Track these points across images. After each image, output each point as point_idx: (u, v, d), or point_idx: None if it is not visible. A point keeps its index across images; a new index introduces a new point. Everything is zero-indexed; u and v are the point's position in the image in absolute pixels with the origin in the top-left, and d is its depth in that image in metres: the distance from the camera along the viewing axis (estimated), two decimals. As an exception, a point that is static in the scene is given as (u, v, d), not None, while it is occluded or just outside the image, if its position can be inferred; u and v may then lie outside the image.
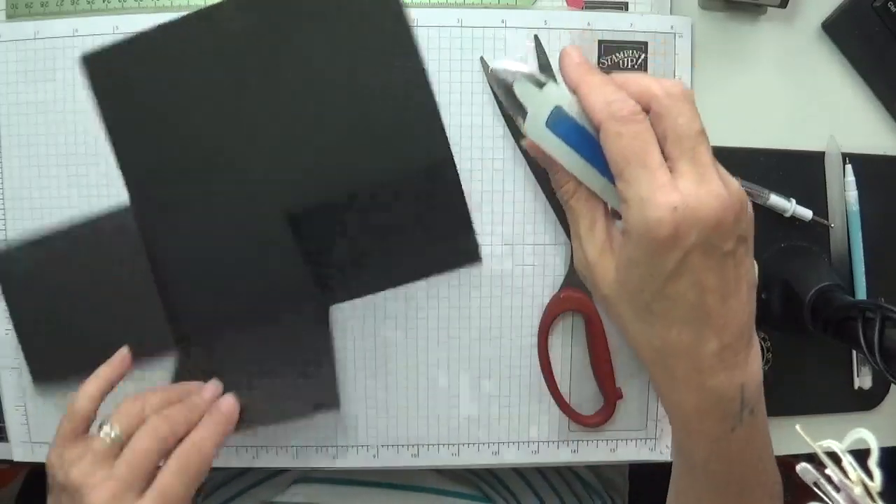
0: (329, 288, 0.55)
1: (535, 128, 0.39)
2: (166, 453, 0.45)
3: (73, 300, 0.55)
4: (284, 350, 0.54)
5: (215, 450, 0.47)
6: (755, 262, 0.40)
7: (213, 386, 0.51)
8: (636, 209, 0.35)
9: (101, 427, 0.45)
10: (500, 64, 0.39)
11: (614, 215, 0.41)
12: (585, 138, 0.39)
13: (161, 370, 0.55)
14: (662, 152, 0.36)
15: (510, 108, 0.39)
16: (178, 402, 0.48)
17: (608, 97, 0.36)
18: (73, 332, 0.55)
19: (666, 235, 0.34)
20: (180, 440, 0.46)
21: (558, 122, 0.39)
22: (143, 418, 0.45)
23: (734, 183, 0.37)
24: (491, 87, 0.54)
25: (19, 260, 0.55)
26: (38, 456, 0.58)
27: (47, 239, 0.54)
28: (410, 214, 0.52)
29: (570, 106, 0.39)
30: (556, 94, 0.39)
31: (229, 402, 0.50)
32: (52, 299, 0.55)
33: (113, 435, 0.44)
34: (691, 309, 0.37)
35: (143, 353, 0.53)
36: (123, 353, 0.50)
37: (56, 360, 0.56)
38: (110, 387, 0.48)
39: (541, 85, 0.39)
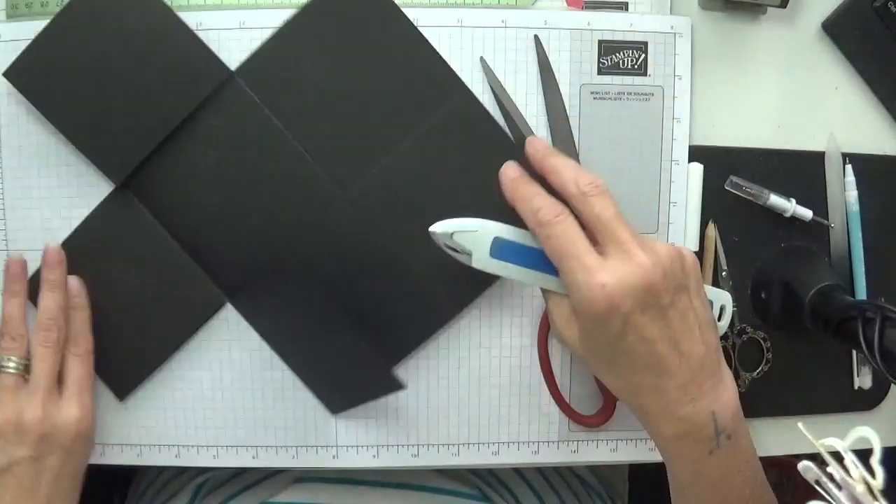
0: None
1: (484, 262, 0.46)
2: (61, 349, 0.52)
3: (110, 294, 0.56)
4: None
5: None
6: (706, 303, 0.47)
7: (53, 252, 0.54)
8: (576, 293, 0.43)
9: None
10: (435, 228, 0.46)
11: None
12: (527, 251, 0.46)
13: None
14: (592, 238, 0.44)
15: (458, 256, 0.46)
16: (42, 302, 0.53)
17: (534, 207, 0.45)
18: (123, 327, 0.56)
19: (603, 309, 0.41)
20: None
21: (500, 249, 0.46)
22: (26, 338, 0.52)
23: (659, 246, 0.44)
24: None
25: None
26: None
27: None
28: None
29: (505, 233, 0.46)
30: (491, 229, 0.46)
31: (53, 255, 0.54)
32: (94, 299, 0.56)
33: (13, 364, 0.52)
34: (646, 358, 0.43)
35: (202, 318, 0.56)
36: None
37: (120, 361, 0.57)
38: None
39: (474, 229, 0.46)
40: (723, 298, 0.54)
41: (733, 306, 0.54)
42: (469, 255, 0.45)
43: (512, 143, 0.55)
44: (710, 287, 0.53)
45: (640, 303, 0.41)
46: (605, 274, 0.41)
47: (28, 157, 0.56)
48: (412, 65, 0.55)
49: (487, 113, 0.55)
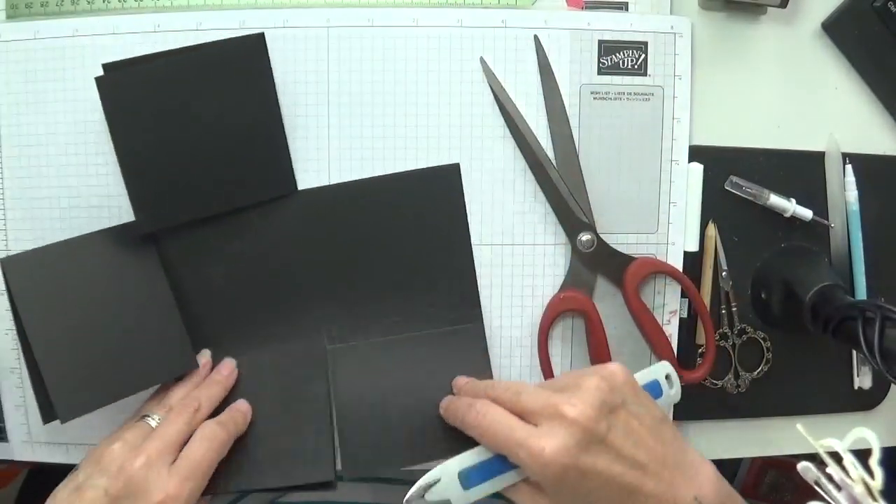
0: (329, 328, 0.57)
1: (464, 499, 0.47)
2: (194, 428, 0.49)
3: (89, 311, 0.53)
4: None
5: (234, 427, 0.52)
6: (648, 402, 0.47)
7: (229, 361, 0.55)
8: (528, 469, 0.44)
9: (143, 417, 0.50)
10: (408, 498, 0.47)
11: None
12: (490, 463, 0.47)
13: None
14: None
15: None
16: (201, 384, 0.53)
17: (459, 415, 0.49)
18: (92, 347, 0.53)
19: (554, 471, 0.43)
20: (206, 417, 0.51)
21: (469, 478, 0.47)
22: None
23: (582, 381, 0.45)
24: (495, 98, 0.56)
25: (32, 269, 0.53)
26: (38, 456, 0.58)
27: (60, 246, 0.54)
28: None
29: (465, 461, 0.47)
30: (452, 467, 0.47)
31: (245, 406, 0.54)
32: (67, 311, 0.53)
33: (154, 423, 0.50)
34: (612, 488, 0.44)
35: (165, 374, 0.54)
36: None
37: (75, 386, 0.52)
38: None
39: (438, 478, 0.47)
40: (663, 370, 0.54)
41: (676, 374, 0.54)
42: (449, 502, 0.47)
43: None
44: (645, 371, 0.52)
45: (581, 447, 0.43)
46: (541, 440, 0.43)
47: (28, 158, 0.56)
48: (447, 275, 0.57)
49: (485, 346, 0.57)
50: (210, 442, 0.49)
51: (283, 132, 0.55)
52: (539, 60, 0.56)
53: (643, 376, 0.52)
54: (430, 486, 0.47)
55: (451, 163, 0.56)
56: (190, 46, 0.53)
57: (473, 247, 0.57)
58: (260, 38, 0.53)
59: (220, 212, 0.54)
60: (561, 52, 0.56)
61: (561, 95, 0.56)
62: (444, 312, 0.57)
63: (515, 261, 0.58)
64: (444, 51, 0.56)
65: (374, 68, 0.56)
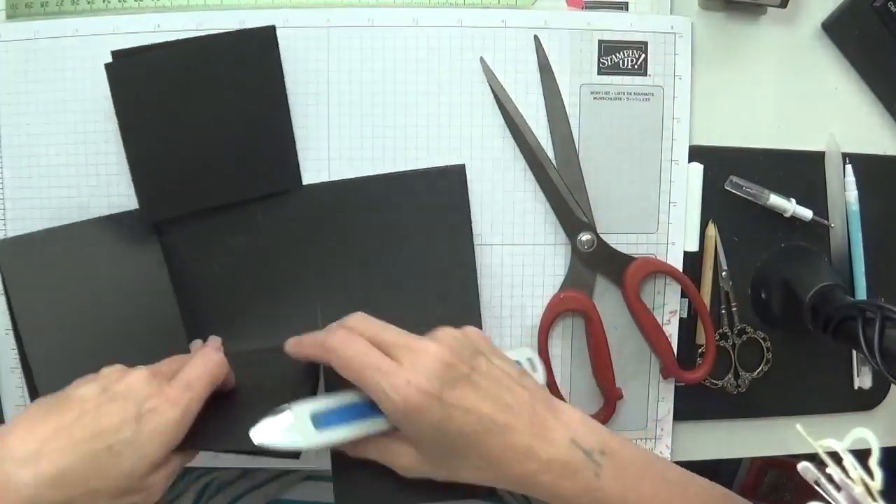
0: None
1: (314, 440, 0.44)
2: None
3: (81, 298, 0.53)
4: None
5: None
6: (508, 360, 0.47)
7: (212, 341, 0.53)
8: (388, 402, 0.42)
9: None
10: (255, 435, 0.43)
11: None
12: (347, 409, 0.45)
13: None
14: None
15: (287, 448, 0.44)
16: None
17: (318, 340, 0.45)
18: (82, 334, 0.52)
19: (418, 401, 0.42)
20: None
21: (321, 420, 0.44)
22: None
23: (438, 332, 0.45)
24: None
25: (25, 253, 0.53)
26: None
27: (56, 231, 0.54)
28: None
29: (320, 404, 0.45)
30: (302, 409, 0.44)
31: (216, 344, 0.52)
32: (60, 297, 0.53)
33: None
34: (480, 426, 0.43)
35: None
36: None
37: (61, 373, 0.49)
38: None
39: (283, 410, 0.44)
40: (526, 353, 0.54)
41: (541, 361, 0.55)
42: (298, 447, 0.44)
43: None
44: (510, 349, 0.53)
45: (446, 381, 0.43)
46: (404, 372, 0.42)
47: (28, 157, 0.56)
48: (447, 277, 0.56)
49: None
50: (206, 360, 0.46)
51: (291, 127, 0.55)
52: (539, 60, 0.56)
53: (507, 353, 0.51)
54: (282, 421, 0.44)
55: (456, 164, 0.56)
56: (201, 36, 0.53)
57: (474, 247, 0.57)
58: (271, 30, 0.53)
59: (224, 203, 0.54)
60: (561, 52, 0.56)
61: (561, 95, 0.56)
62: (444, 314, 0.57)
63: (515, 261, 0.58)
64: (444, 51, 0.56)
65: (374, 68, 0.56)
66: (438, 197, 0.56)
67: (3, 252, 0.52)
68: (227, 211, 0.55)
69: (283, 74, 0.54)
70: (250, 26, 0.54)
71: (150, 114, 0.53)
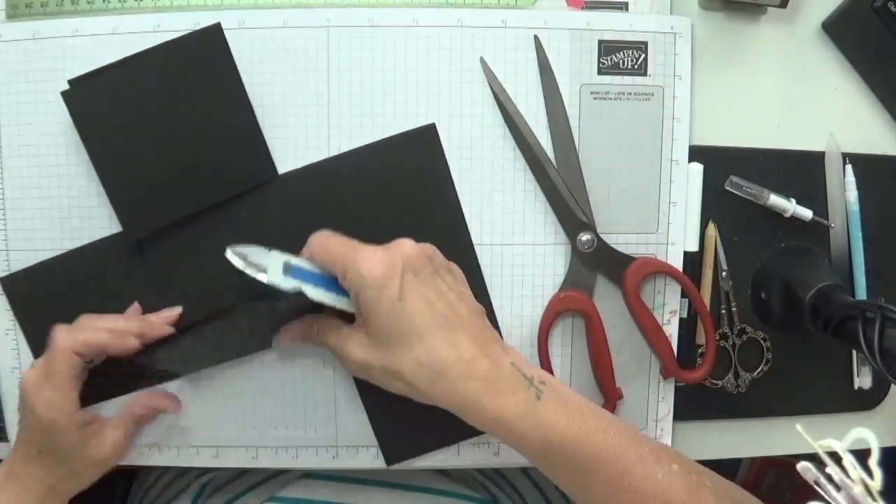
0: None
1: (277, 277, 0.48)
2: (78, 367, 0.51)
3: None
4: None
5: (113, 336, 0.51)
6: (459, 276, 0.51)
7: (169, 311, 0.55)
8: (355, 274, 0.46)
9: None
10: (230, 250, 0.48)
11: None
12: (317, 276, 0.49)
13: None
14: None
15: (251, 273, 0.48)
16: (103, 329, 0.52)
17: (313, 238, 0.50)
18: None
19: (381, 272, 0.45)
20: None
21: (293, 271, 0.49)
22: None
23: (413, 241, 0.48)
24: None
25: (28, 285, 0.56)
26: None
27: (56, 261, 0.56)
28: None
29: (295, 260, 0.49)
30: (282, 256, 0.49)
31: (167, 315, 0.54)
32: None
33: None
34: (430, 317, 0.46)
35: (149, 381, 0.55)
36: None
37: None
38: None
39: (269, 250, 0.49)
40: None
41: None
42: (264, 270, 0.48)
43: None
44: None
45: (410, 268, 0.46)
46: (378, 251, 0.46)
47: (28, 157, 0.56)
48: (438, 233, 0.56)
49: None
50: (114, 322, 0.51)
51: (255, 120, 0.55)
52: (539, 60, 0.56)
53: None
54: (256, 252, 0.49)
55: (426, 123, 0.56)
56: (150, 47, 0.53)
57: (474, 246, 0.57)
58: (216, 28, 0.53)
59: (203, 208, 0.54)
60: (561, 52, 0.56)
61: (561, 95, 0.56)
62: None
63: (515, 261, 0.58)
64: (444, 51, 0.56)
65: (374, 68, 0.56)
66: (415, 159, 0.56)
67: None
68: (208, 214, 0.55)
69: (236, 70, 0.54)
70: (249, 26, 0.55)
71: (115, 134, 0.53)
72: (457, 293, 0.48)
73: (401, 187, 0.56)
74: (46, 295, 0.56)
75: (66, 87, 0.55)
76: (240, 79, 0.54)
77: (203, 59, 0.53)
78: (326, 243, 0.49)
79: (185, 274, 0.55)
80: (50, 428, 0.49)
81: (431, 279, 0.47)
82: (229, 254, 0.48)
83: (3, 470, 0.52)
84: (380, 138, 0.56)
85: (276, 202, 0.56)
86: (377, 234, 0.54)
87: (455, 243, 0.56)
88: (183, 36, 0.53)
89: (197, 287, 0.55)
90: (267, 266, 0.48)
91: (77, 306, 0.53)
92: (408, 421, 0.57)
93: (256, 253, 0.49)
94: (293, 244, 0.53)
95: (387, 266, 0.45)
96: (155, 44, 0.54)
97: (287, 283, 0.48)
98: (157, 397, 0.56)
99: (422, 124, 0.56)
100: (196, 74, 0.53)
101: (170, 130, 0.53)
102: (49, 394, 0.49)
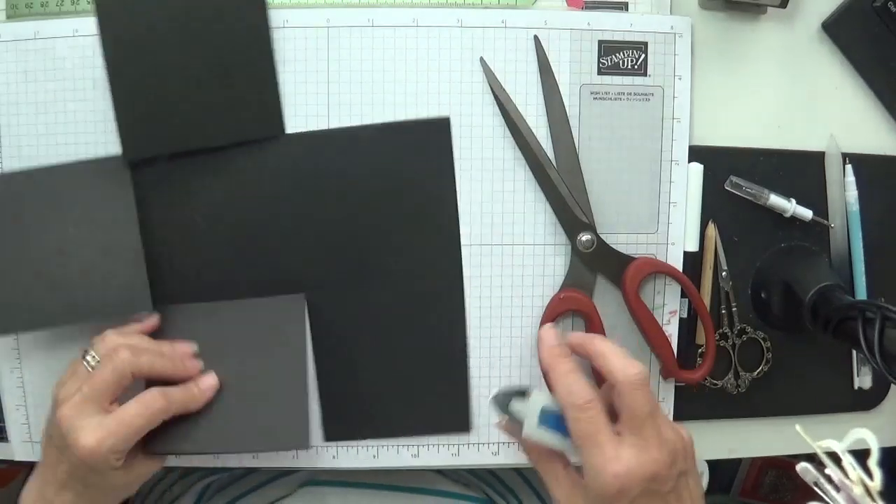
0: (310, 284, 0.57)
1: (532, 430, 0.49)
2: (126, 387, 0.49)
3: (48, 241, 0.53)
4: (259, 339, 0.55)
5: (175, 407, 0.50)
6: (698, 476, 0.49)
7: (210, 377, 0.53)
8: (592, 475, 0.45)
9: (84, 354, 0.50)
10: (493, 393, 0.50)
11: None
12: (563, 426, 0.48)
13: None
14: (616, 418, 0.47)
15: (512, 421, 0.49)
16: (159, 353, 0.52)
17: (570, 388, 0.47)
18: (43, 277, 0.53)
19: (613, 493, 0.44)
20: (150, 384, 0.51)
21: (546, 418, 0.49)
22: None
23: (670, 434, 0.46)
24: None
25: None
26: (38, 456, 0.58)
27: (30, 172, 0.54)
28: None
29: (551, 403, 0.49)
30: (539, 398, 0.49)
31: (209, 382, 0.53)
32: (26, 237, 0.53)
33: (93, 362, 0.50)
34: None
35: (117, 312, 0.54)
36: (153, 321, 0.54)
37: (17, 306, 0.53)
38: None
39: (526, 395, 0.49)
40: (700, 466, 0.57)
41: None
42: (521, 423, 0.49)
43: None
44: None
45: (645, 490, 0.45)
46: (620, 465, 0.44)
47: (28, 158, 0.56)
48: (432, 232, 0.57)
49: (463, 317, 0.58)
50: (144, 408, 0.49)
51: (275, 72, 0.54)
52: (539, 60, 0.56)
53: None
54: (520, 393, 0.49)
55: (440, 116, 0.56)
56: None
57: (473, 246, 0.57)
58: None
59: (206, 146, 0.54)
60: (561, 52, 0.56)
61: (561, 95, 0.56)
62: (425, 272, 0.57)
63: (515, 261, 0.58)
64: (444, 51, 0.56)
65: (374, 68, 0.56)
66: (422, 148, 0.56)
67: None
68: (208, 158, 0.55)
69: (268, 16, 0.53)
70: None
71: (136, 49, 0.52)
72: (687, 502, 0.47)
73: (404, 171, 0.56)
74: (21, 203, 0.54)
75: (66, 86, 0.55)
76: (268, 26, 0.54)
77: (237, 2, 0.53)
78: (574, 407, 0.46)
79: (172, 212, 0.55)
80: (102, 467, 0.47)
81: (663, 499, 0.46)
82: (490, 402, 0.50)
83: (32, 496, 0.50)
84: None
85: (277, 159, 0.55)
86: (370, 211, 0.55)
87: (442, 242, 0.57)
88: None
89: (182, 232, 0.55)
90: (525, 415, 0.48)
91: (48, 223, 0.53)
92: (356, 404, 0.57)
93: (516, 399, 0.49)
94: (285, 201, 0.55)
95: (622, 490, 0.44)
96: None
97: (539, 436, 0.49)
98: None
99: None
100: (228, 12, 0.53)
101: (191, 60, 0.53)
102: (103, 432, 0.47)
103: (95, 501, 0.50)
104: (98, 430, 0.46)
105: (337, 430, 0.58)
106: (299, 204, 0.56)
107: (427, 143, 0.56)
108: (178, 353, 0.53)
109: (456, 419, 0.58)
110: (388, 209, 0.56)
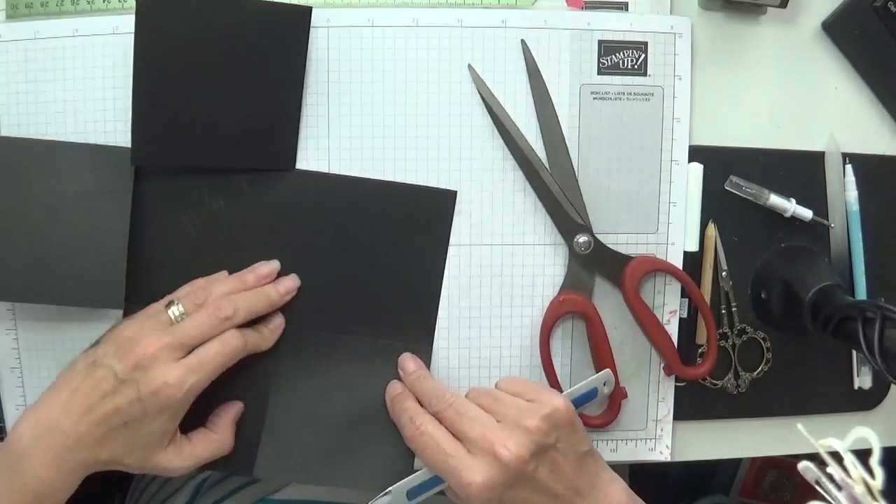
0: None
1: None
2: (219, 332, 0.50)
3: (36, 214, 0.53)
4: None
5: (250, 347, 0.51)
6: (580, 436, 0.50)
7: (291, 281, 0.55)
8: (458, 494, 0.48)
9: (169, 305, 0.50)
10: None
11: None
12: (432, 480, 0.50)
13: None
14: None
15: None
16: (254, 299, 0.52)
17: (403, 421, 0.52)
18: (22, 250, 0.53)
19: (478, 489, 0.46)
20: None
21: (416, 492, 0.50)
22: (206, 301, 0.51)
23: (526, 418, 0.48)
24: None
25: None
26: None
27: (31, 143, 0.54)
28: None
29: (412, 481, 0.50)
30: (400, 488, 0.50)
31: (276, 322, 0.54)
32: (15, 205, 0.53)
33: (178, 313, 0.50)
34: None
35: (86, 303, 0.54)
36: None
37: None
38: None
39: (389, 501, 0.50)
40: (603, 378, 0.56)
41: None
42: None
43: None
44: (587, 380, 0.55)
45: (507, 484, 0.47)
46: (471, 474, 0.46)
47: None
48: (412, 292, 0.57)
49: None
50: (224, 346, 0.49)
51: (299, 110, 0.55)
52: (527, 65, 0.56)
53: (586, 385, 0.55)
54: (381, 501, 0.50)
55: (449, 188, 0.57)
56: None
57: (472, 246, 0.57)
58: (306, 11, 0.53)
59: (215, 166, 0.54)
60: (561, 52, 0.56)
61: (551, 97, 0.56)
62: (399, 326, 0.57)
63: (515, 261, 0.58)
64: (445, 50, 0.56)
65: (374, 68, 0.56)
66: (424, 215, 0.57)
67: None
68: (215, 176, 0.55)
69: (305, 57, 0.54)
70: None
71: (167, 56, 0.52)
72: (558, 471, 0.48)
73: (401, 232, 0.56)
74: (18, 168, 0.54)
75: (66, 86, 0.55)
76: (304, 67, 0.54)
77: (282, 32, 0.53)
78: (424, 447, 0.49)
79: (166, 215, 0.55)
80: (176, 407, 0.47)
81: (530, 481, 0.47)
82: None
83: (38, 424, 0.47)
84: (380, 139, 0.56)
85: (282, 191, 0.55)
86: (358, 259, 0.56)
87: (418, 306, 0.57)
88: (275, 3, 0.53)
89: (174, 240, 0.55)
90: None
91: (40, 196, 0.53)
92: (297, 446, 0.56)
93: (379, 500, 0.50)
94: (279, 234, 0.55)
95: (485, 493, 0.46)
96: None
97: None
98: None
99: (422, 125, 0.56)
100: (270, 42, 0.53)
101: (219, 79, 0.53)
102: (174, 405, 0.47)
103: (116, 450, 0.48)
104: (180, 367, 0.47)
105: (268, 469, 0.56)
106: (292, 237, 0.56)
107: (430, 212, 0.57)
108: (263, 286, 0.53)
109: None
110: (376, 262, 0.56)
